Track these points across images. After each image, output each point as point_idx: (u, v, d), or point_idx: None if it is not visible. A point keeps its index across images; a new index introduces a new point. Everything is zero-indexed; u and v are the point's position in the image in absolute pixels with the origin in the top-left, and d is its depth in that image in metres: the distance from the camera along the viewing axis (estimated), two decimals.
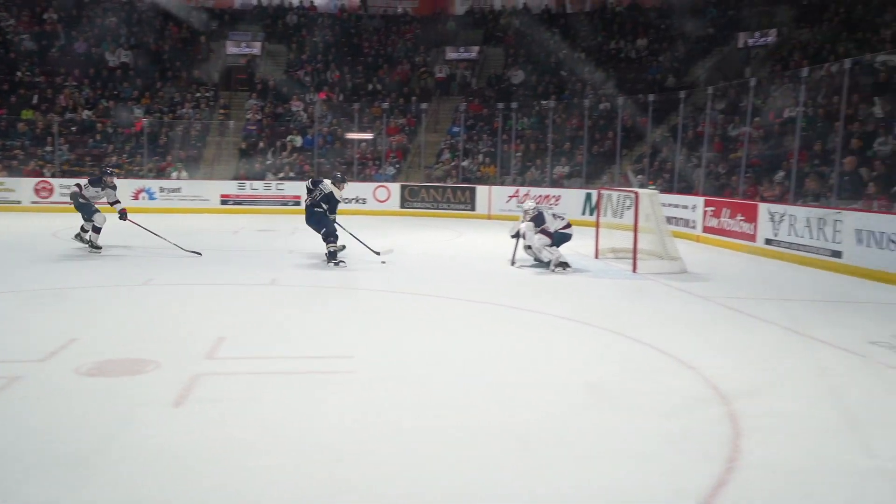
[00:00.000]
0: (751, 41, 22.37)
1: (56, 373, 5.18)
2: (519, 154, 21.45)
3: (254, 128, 23.52)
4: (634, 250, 10.48)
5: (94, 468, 3.72)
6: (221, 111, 24.15)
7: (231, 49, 27.09)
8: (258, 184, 20.81)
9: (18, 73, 23.75)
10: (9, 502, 3.39)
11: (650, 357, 5.97)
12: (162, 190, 20.44)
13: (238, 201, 20.56)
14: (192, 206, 20.12)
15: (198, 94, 24.25)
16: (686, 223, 15.01)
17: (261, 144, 22.94)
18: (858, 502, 3.55)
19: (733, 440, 4.14)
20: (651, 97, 18.51)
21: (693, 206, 14.93)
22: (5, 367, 5.28)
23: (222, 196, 20.47)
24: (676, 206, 15.35)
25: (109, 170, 12.63)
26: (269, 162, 22.19)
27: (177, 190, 20.52)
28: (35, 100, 23.02)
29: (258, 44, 27.35)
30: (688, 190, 16.20)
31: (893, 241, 9.72)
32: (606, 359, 5.98)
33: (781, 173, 13.98)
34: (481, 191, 20.27)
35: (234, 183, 20.77)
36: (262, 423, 4.37)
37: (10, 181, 19.98)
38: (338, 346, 6.20)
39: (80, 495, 3.47)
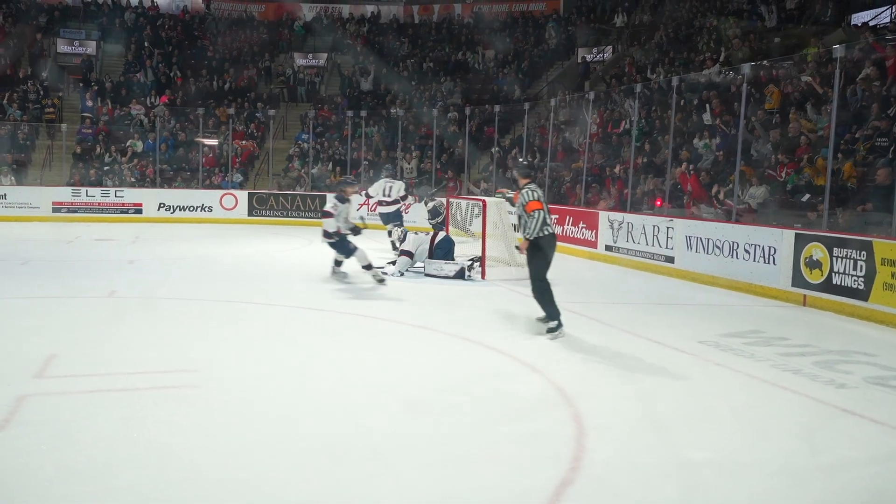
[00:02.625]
0: (589, 57, 23.49)
1: None
2: (368, 161, 21.47)
3: (89, 131, 22.23)
4: (483, 257, 10.71)
5: None
6: (49, 111, 22.66)
7: (63, 47, 25.56)
8: (95, 190, 19.69)
9: None
10: None
11: (497, 362, 6.11)
12: None
13: (73, 209, 19.36)
14: (19, 214, 18.76)
15: (26, 92, 22.65)
16: None
17: (98, 149, 21.73)
18: (692, 493, 3.77)
19: (578, 440, 4.30)
20: (497, 107, 19.03)
21: (552, 217, 15.42)
22: None
23: (55, 203, 19.21)
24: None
25: None
26: (106, 168, 21.05)
27: (1, 197, 19.04)
28: None
29: (93, 43, 25.95)
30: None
31: (718, 247, 10.46)
32: (454, 364, 6.07)
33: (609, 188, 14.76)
34: (332, 199, 20.06)
35: (69, 189, 19.56)
36: (97, 444, 4.11)
37: None
38: (180, 359, 5.95)
39: None
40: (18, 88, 22.87)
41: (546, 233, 7.20)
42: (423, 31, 28.13)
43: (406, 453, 4.09)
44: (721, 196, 12.02)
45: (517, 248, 8.56)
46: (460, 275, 10.64)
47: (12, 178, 19.89)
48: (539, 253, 7.21)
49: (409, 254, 10.89)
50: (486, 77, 24.84)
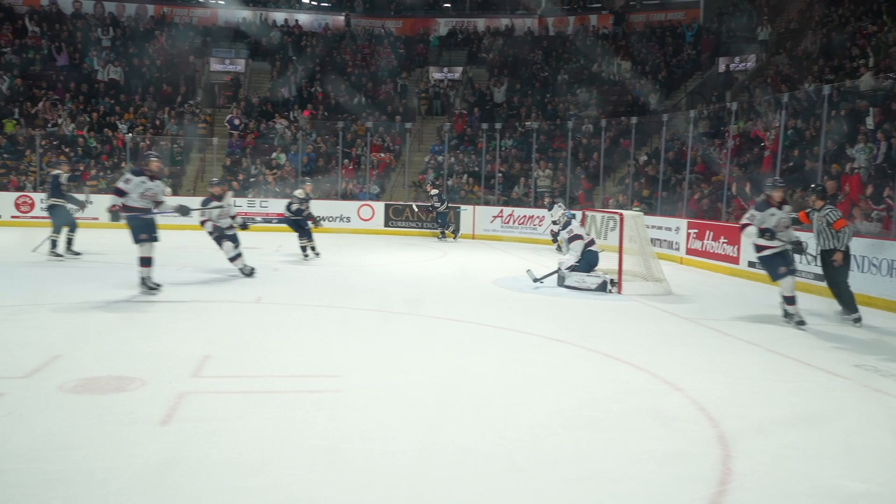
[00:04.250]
0: (732, 66, 22.68)
1: (41, 390, 5.11)
2: (501, 173, 21.55)
3: (237, 145, 23.45)
4: (619, 271, 10.52)
5: (80, 486, 3.65)
6: (202, 126, 24.06)
7: (215, 66, 27.11)
8: (242, 201, 20.73)
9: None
10: None
11: (637, 378, 5.98)
12: None
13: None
14: (174, 223, 19.93)
15: (181, 111, 24.18)
16: (670, 245, 15.11)
17: (245, 161, 22.89)
18: None
19: (724, 462, 4.15)
20: (634, 119, 18.68)
21: (676, 228, 15.04)
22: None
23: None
24: (660, 227, 15.46)
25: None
26: (252, 179, 22.13)
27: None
28: (16, 113, 22.86)
29: (242, 61, 27.38)
30: (672, 212, 16.33)
31: (875, 265, 9.82)
32: (593, 380, 5.98)
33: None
34: (466, 210, 20.31)
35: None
36: (249, 442, 4.32)
37: None
38: (325, 365, 6.16)
39: None
40: (176, 105, 24.41)
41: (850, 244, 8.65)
42: (557, 42, 28.01)
43: (546, 468, 4.06)
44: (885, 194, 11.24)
45: (833, 260, 8.53)
46: (602, 288, 10.50)
47: (168, 188, 21.21)
48: (848, 261, 8.65)
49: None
50: (623, 88, 24.44)
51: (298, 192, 14.14)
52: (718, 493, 3.75)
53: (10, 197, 19.85)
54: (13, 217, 19.62)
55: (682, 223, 14.91)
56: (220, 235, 11.10)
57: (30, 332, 6.98)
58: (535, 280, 10.95)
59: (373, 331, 7.69)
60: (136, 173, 9.23)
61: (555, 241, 17.34)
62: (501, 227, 19.89)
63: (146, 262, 9.29)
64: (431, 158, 23.53)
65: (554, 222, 16.71)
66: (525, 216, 19.29)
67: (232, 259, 11.12)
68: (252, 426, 4.57)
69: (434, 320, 8.27)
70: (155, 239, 9.28)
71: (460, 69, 27.86)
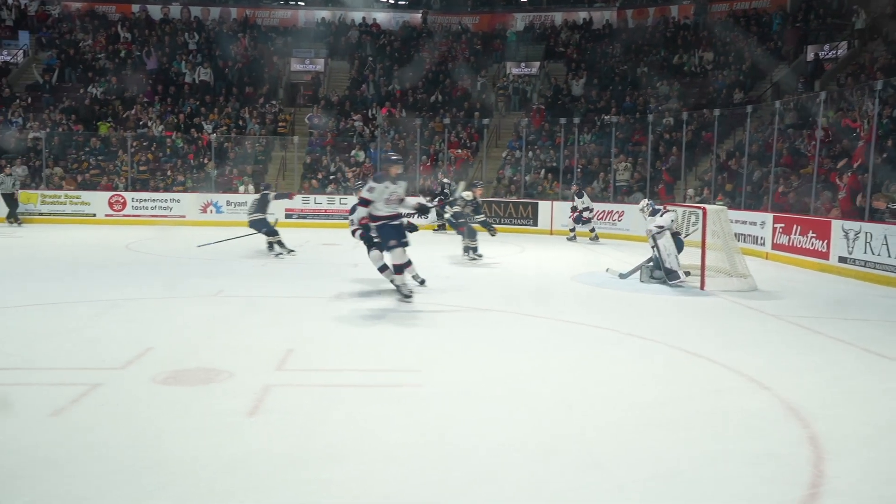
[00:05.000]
0: (820, 54, 21.87)
1: (134, 381, 5.32)
2: (580, 169, 21.33)
3: (317, 143, 23.88)
4: (702, 267, 10.29)
5: (172, 474, 3.79)
6: (282, 125, 24.57)
7: (295, 66, 27.65)
8: (322, 198, 21.12)
9: (93, 91, 24.58)
10: None
11: (722, 376, 5.84)
12: (229, 203, 20.92)
13: (302, 215, 20.89)
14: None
15: (263, 111, 24.75)
16: (755, 240, 14.69)
17: (324, 159, 23.29)
18: None
19: (816, 464, 4.01)
20: (716, 111, 18.22)
21: (762, 222, 14.61)
22: (86, 374, 5.43)
23: (287, 210, 20.81)
24: (745, 222, 15.04)
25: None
26: (332, 177, 22.51)
27: (243, 204, 20.92)
28: (109, 116, 23.81)
29: (321, 60, 27.85)
30: (756, 206, 15.88)
31: None
32: (676, 377, 5.86)
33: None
34: (543, 206, 20.19)
35: (299, 197, 21.10)
36: (331, 435, 4.40)
37: (86, 195, 20.70)
38: (404, 360, 6.22)
39: (159, 500, 3.54)
40: (258, 105, 25.01)
41: None
42: (637, 35, 27.52)
43: (628, 466, 4.01)
44: None
45: None
46: (674, 277, 10.32)
47: (251, 187, 21.78)
48: None
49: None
50: (705, 80, 23.85)
51: (466, 195, 13.52)
52: (810, 495, 3.63)
53: (104, 196, 20.70)
54: (107, 215, 20.45)
55: (768, 217, 14.46)
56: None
57: (123, 326, 7.26)
58: (622, 276, 10.84)
59: (451, 326, 7.72)
60: (379, 179, 8.76)
61: (572, 231, 17.83)
62: (582, 225, 19.67)
63: (399, 269, 8.85)
64: (509, 154, 23.47)
65: (585, 209, 17.28)
66: (604, 211, 19.03)
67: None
68: (334, 419, 4.65)
69: (512, 316, 8.25)
70: (406, 244, 8.79)
71: (538, 64, 27.68)
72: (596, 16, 29.29)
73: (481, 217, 13.69)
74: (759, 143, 18.10)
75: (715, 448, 4.27)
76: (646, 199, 11.18)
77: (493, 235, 13.50)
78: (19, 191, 19.34)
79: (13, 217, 18.72)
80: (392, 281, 8.98)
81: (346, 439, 4.32)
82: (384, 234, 8.75)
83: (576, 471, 3.93)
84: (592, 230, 17.47)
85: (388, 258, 8.90)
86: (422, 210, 9.29)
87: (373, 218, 8.74)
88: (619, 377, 5.82)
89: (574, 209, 17.57)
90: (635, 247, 11.54)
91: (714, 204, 13.65)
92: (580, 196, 17.62)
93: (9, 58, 26.03)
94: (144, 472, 3.81)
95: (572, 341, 7.09)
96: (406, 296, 8.78)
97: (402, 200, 8.81)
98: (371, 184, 8.75)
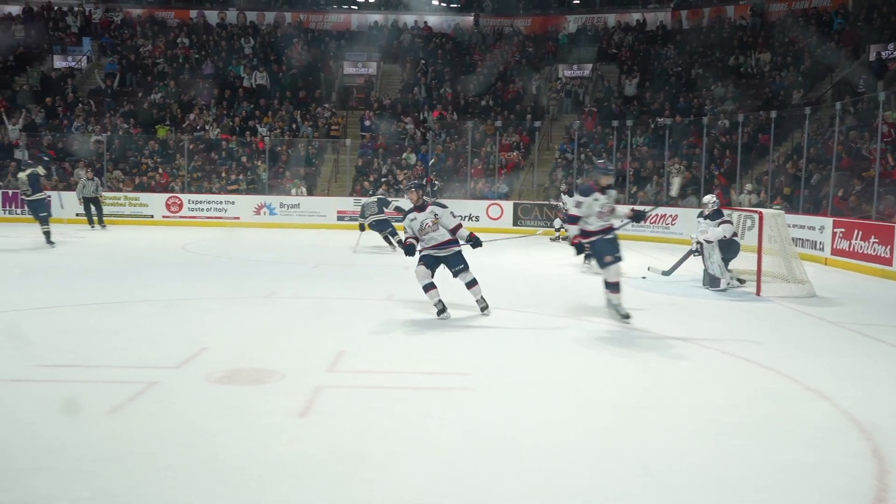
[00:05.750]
0: (884, 53, 21.25)
1: (189, 380, 5.42)
2: (633, 171, 21.08)
3: (369, 146, 24.06)
4: (758, 272, 10.08)
5: (223, 473, 3.85)
6: (335, 128, 24.80)
7: (348, 69, 27.89)
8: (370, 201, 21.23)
9: (153, 95, 25.16)
10: (147, 500, 3.55)
11: (779, 384, 5.70)
12: (282, 205, 21.20)
13: (355, 217, 21.00)
14: (310, 222, 20.74)
15: (316, 114, 25.03)
16: (813, 245, 14.34)
17: (376, 162, 23.45)
18: None
19: (880, 477, 3.88)
20: (773, 113, 17.84)
21: (821, 227, 14.25)
22: (143, 372, 5.55)
23: (339, 212, 21.02)
24: (802, 227, 14.69)
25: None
26: (384, 179, 22.64)
27: (296, 206, 21.23)
28: (167, 120, 24.34)
29: (374, 63, 28.05)
30: (814, 210, 15.50)
31: None
32: (729, 384, 5.74)
33: None
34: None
35: (351, 199, 21.27)
36: (382, 436, 4.41)
37: (144, 196, 21.19)
38: (455, 362, 6.21)
39: (210, 498, 3.59)
40: (311, 108, 25.30)
41: None
42: (691, 36, 27.10)
43: (680, 473, 3.94)
44: None
45: None
46: (716, 284, 10.19)
47: (303, 189, 22.04)
48: None
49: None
50: (761, 81, 23.37)
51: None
52: None
53: (162, 198, 21.16)
54: (164, 217, 20.90)
55: (827, 222, 14.10)
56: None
57: (178, 326, 7.41)
58: (665, 274, 10.72)
59: (501, 329, 7.68)
60: (586, 192, 7.90)
61: (557, 230, 17.71)
62: (633, 227, 19.40)
63: (615, 287, 7.92)
64: (560, 157, 23.32)
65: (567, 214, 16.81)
66: (657, 215, 18.79)
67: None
68: (384, 421, 4.67)
69: (563, 319, 8.18)
70: (620, 259, 7.89)
71: (590, 66, 27.44)
72: (649, 17, 28.93)
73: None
74: (818, 145, 17.66)
75: (772, 458, 4.16)
76: (714, 197, 10.88)
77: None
78: (102, 194, 19.32)
79: (99, 220, 18.65)
80: (609, 300, 8.02)
81: (397, 441, 4.33)
82: (598, 249, 7.93)
83: (628, 477, 3.88)
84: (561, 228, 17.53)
85: (604, 275, 7.96)
86: (637, 217, 8.17)
87: (584, 234, 7.99)
88: (673, 383, 5.72)
89: (558, 209, 17.60)
90: (684, 250, 11.35)
91: (771, 208, 13.35)
92: (570, 195, 17.57)
93: (73, 64, 26.79)
94: (197, 470, 3.87)
95: (622, 346, 7.00)
96: (624, 316, 7.83)
97: (613, 211, 7.96)
98: (578, 197, 7.97)
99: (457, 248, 8.06)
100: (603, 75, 26.92)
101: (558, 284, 11.09)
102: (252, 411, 4.81)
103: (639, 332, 7.58)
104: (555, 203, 18.07)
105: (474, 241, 7.97)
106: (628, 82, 25.51)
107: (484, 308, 8.18)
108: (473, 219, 20.70)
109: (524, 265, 13.00)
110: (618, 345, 7.05)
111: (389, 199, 16.21)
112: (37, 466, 3.87)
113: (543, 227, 20.31)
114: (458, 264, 8.11)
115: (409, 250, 8.16)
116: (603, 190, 7.84)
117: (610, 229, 7.94)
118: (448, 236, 8.03)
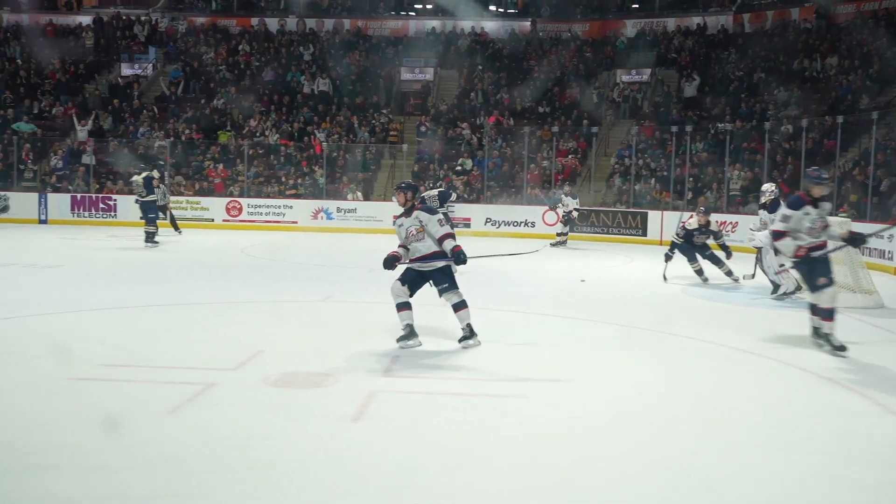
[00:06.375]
0: None
1: (246, 382, 5.49)
2: (692, 178, 20.73)
3: (425, 151, 24.15)
4: None
5: (279, 474, 3.88)
6: (392, 133, 24.96)
7: (405, 75, 28.05)
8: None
9: (215, 101, 25.68)
10: (204, 500, 3.60)
11: (845, 398, 5.52)
12: (339, 210, 21.41)
13: None
14: (366, 227, 20.90)
15: (373, 120, 25.22)
16: (881, 254, 13.88)
17: (432, 167, 23.52)
18: None
19: None
20: (840, 118, 17.35)
21: (890, 236, 13.79)
22: (201, 374, 5.65)
23: (394, 217, 21.02)
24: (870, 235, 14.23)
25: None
26: (439, 184, 22.68)
27: (353, 210, 21.41)
28: (228, 125, 24.82)
29: (431, 69, 28.16)
30: (883, 218, 15.01)
31: None
32: (793, 397, 5.59)
33: None
34: (653, 216, 19.72)
35: None
36: (437, 443, 4.40)
37: (205, 200, 21.62)
38: (511, 369, 6.17)
39: (265, 499, 3.62)
40: (368, 114, 25.52)
41: None
42: (754, 39, 26.54)
43: (741, 489, 3.84)
44: None
45: None
46: (775, 291, 9.99)
47: (360, 194, 22.23)
48: None
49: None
50: (827, 85, 22.76)
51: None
52: None
53: (222, 202, 21.56)
54: (224, 220, 21.29)
55: None
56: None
57: (236, 328, 7.52)
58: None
59: (558, 337, 7.62)
60: (795, 204, 6.89)
61: (559, 235, 17.72)
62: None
63: (828, 314, 6.88)
64: (618, 163, 23.07)
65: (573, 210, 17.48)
66: (717, 221, 18.41)
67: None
68: (438, 428, 4.66)
69: (620, 328, 8.08)
70: (832, 282, 6.91)
71: (649, 71, 27.10)
72: (710, 21, 28.43)
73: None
74: (886, 151, 17.11)
75: (837, 475, 4.03)
76: (773, 185, 10.60)
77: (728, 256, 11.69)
78: (169, 200, 19.69)
79: (173, 225, 19.03)
80: (817, 330, 7.06)
81: (450, 448, 4.32)
82: (812, 270, 6.89)
83: (688, 492, 3.80)
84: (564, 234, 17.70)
85: (816, 300, 6.92)
86: (855, 241, 7.08)
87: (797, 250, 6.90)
88: (730, 395, 5.59)
89: (559, 209, 17.70)
90: (748, 258, 11.14)
91: (836, 216, 12.97)
92: (575, 197, 17.87)
93: (139, 71, 27.52)
94: (252, 472, 3.91)
95: (681, 356, 6.88)
96: (838, 348, 6.78)
97: (825, 228, 6.93)
98: (785, 210, 6.98)
99: (443, 263, 6.90)
100: (662, 80, 26.56)
101: (620, 294, 10.95)
102: (307, 414, 4.85)
103: (698, 342, 7.43)
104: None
105: (457, 257, 6.73)
106: (687, 85, 25.11)
107: (467, 338, 6.90)
108: (529, 224, 20.62)
109: (580, 272, 12.86)
110: (678, 356, 6.93)
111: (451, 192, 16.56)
112: (102, 463, 3.97)
113: (600, 232, 20.10)
114: (442, 282, 6.92)
115: (386, 262, 6.96)
116: (815, 202, 6.86)
117: (822, 246, 6.92)
118: (435, 248, 6.90)
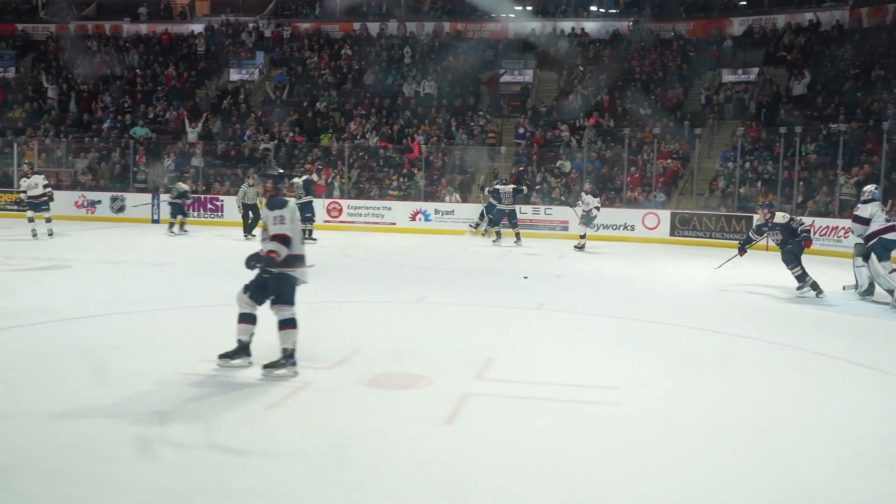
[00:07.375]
0: None
1: (341, 381, 5.59)
2: (801, 181, 19.88)
3: (524, 153, 24.05)
4: None
5: (369, 474, 3.95)
6: (491, 135, 24.96)
7: (505, 77, 28.01)
8: (526, 208, 21.18)
9: (318, 105, 26.33)
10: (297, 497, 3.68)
11: None
12: (437, 212, 21.57)
13: (506, 225, 21.04)
14: (463, 229, 20.97)
15: (471, 122, 25.31)
16: None
17: (531, 169, 23.41)
18: None
19: None
20: None
21: None
22: (299, 371, 5.77)
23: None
24: None
25: None
26: (538, 187, 22.56)
27: (450, 212, 21.53)
28: (330, 128, 25.41)
29: (530, 71, 28.02)
30: None
31: None
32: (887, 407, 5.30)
33: None
34: (758, 220, 18.99)
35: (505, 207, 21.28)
36: (526, 449, 4.38)
37: None
38: (602, 376, 6.06)
39: (355, 499, 3.67)
40: (467, 116, 25.61)
41: None
42: (872, 34, 25.24)
43: None
44: None
45: None
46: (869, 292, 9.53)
47: (458, 196, 22.32)
48: None
49: None
50: None
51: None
52: None
53: (323, 203, 22.04)
54: (325, 221, 21.74)
55: None
56: None
57: (333, 328, 7.67)
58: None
59: (653, 343, 7.44)
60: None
61: (582, 237, 16.98)
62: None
63: None
64: (722, 165, 22.36)
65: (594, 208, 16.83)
66: (828, 227, 17.63)
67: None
68: (529, 433, 4.64)
69: (718, 335, 7.82)
70: None
71: (756, 70, 26.14)
72: (824, 16, 27.18)
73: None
74: None
75: None
76: (873, 187, 10.11)
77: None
78: (262, 200, 20.45)
79: (249, 229, 19.48)
80: None
81: (540, 455, 4.29)
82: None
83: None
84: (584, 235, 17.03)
85: None
86: None
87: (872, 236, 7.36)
88: (828, 407, 5.37)
89: (583, 209, 17.02)
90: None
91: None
92: (596, 196, 17.32)
93: (247, 76, 28.51)
94: (343, 471, 3.99)
95: (780, 365, 6.63)
96: None
97: None
98: (868, 199, 7.54)
99: (282, 268, 5.77)
100: (770, 79, 25.59)
101: (721, 300, 10.62)
102: (400, 416, 4.90)
103: (799, 350, 7.13)
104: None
105: (265, 261, 5.72)
106: (796, 83, 24.09)
107: (279, 364, 5.66)
108: (629, 228, 20.23)
109: (680, 277, 12.54)
110: (778, 365, 6.68)
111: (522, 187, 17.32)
112: (201, 457, 4.12)
113: (703, 237, 19.54)
114: (274, 290, 5.85)
115: (247, 261, 5.89)
116: None
117: None
118: (297, 250, 5.93)
